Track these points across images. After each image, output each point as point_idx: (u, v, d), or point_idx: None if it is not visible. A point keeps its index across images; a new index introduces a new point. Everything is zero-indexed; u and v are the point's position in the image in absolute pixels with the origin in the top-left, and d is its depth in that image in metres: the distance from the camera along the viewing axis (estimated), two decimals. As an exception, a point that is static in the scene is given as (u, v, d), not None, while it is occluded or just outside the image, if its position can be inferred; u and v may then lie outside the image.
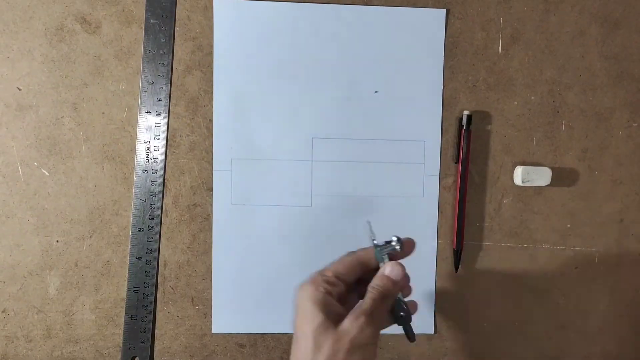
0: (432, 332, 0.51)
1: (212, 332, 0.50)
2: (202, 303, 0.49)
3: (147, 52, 0.47)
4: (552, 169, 0.50)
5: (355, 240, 0.49)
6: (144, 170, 0.48)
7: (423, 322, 0.51)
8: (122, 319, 0.49)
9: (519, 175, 0.49)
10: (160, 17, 0.46)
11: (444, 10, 0.48)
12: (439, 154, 0.50)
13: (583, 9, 0.50)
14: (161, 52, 0.47)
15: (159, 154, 0.48)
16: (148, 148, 0.47)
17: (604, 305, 0.52)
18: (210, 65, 0.48)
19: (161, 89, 0.47)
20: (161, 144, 0.48)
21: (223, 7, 0.47)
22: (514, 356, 0.52)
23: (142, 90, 0.47)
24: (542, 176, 0.49)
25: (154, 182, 0.48)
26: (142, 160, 0.48)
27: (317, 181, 0.49)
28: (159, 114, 0.47)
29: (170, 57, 0.47)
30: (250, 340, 0.50)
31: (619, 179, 0.51)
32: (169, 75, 0.47)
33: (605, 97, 0.50)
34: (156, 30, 0.47)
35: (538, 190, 0.51)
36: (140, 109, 0.47)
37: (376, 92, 0.49)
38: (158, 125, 0.47)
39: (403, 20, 0.48)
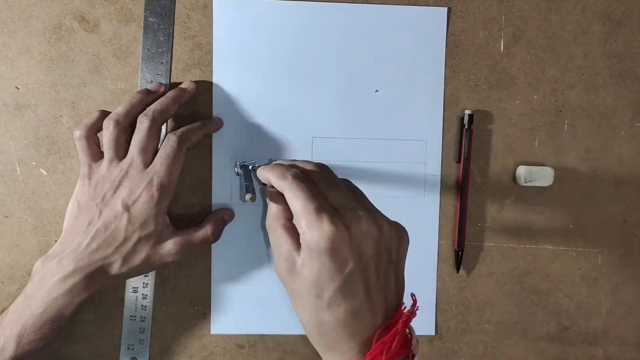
0: (434, 334, 0.51)
1: (211, 332, 0.49)
2: (201, 303, 0.49)
3: (146, 51, 0.46)
4: (555, 168, 0.49)
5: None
6: None
7: (424, 323, 0.50)
8: (121, 319, 0.48)
9: (521, 175, 0.49)
10: (159, 16, 0.46)
11: (446, 8, 0.48)
12: (440, 153, 0.49)
13: (585, 8, 0.49)
14: (160, 50, 0.46)
15: None
16: None
17: (607, 307, 0.52)
18: (209, 64, 0.47)
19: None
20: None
21: (222, 6, 0.47)
22: (516, 358, 0.52)
23: (140, 89, 0.47)
24: (544, 176, 0.49)
25: None
26: None
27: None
28: None
29: (170, 56, 0.47)
30: (250, 341, 0.50)
31: (622, 179, 0.51)
32: (168, 74, 0.47)
33: (608, 97, 0.50)
34: (155, 28, 0.46)
35: (540, 190, 0.50)
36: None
37: (377, 91, 0.48)
38: None
39: (404, 19, 0.48)
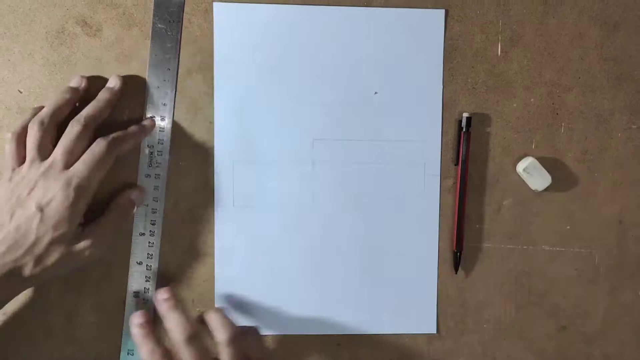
0: (435, 332, 0.51)
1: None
2: (203, 305, 0.50)
3: (153, 57, 0.47)
4: (552, 170, 0.50)
5: (359, 240, 0.50)
6: (147, 175, 0.48)
7: (425, 321, 0.51)
8: (123, 321, 0.49)
9: (526, 164, 0.49)
10: (167, 22, 0.46)
11: (443, 10, 0.49)
12: (440, 153, 0.50)
13: (582, 11, 0.50)
14: (167, 57, 0.47)
15: (162, 159, 0.48)
16: (152, 153, 0.48)
17: (604, 307, 0.53)
18: (211, 68, 0.48)
19: (166, 93, 0.47)
20: (165, 148, 0.48)
21: (223, 11, 0.47)
22: (514, 358, 0.52)
23: (147, 95, 0.47)
24: (542, 178, 0.49)
25: (156, 187, 0.48)
26: (145, 165, 0.48)
27: (318, 183, 0.49)
28: (163, 119, 0.47)
29: (177, 62, 0.47)
30: (251, 342, 0.50)
31: (619, 180, 0.51)
32: (175, 80, 0.47)
33: (605, 99, 0.51)
34: (163, 35, 0.47)
35: (538, 191, 0.51)
36: (145, 114, 0.47)
37: (376, 93, 0.49)
38: (162, 129, 0.47)
39: (402, 21, 0.48)
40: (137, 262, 0.48)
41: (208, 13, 0.47)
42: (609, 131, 0.51)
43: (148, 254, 0.48)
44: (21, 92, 0.47)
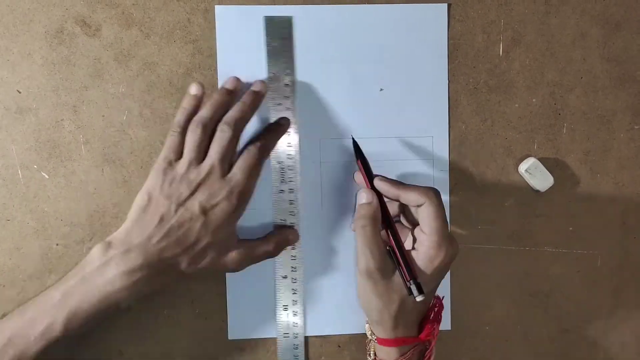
0: (449, 328, 0.51)
1: (230, 338, 0.49)
2: (202, 306, 0.49)
3: (271, 75, 0.47)
4: (554, 171, 0.49)
5: (356, 243, 0.49)
6: (281, 191, 0.48)
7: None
8: (121, 322, 0.48)
9: (528, 164, 0.49)
10: (279, 40, 0.47)
11: (445, 4, 0.48)
12: (448, 148, 0.49)
13: (584, 11, 0.49)
14: (286, 72, 0.47)
15: (294, 173, 0.48)
16: (282, 169, 0.48)
17: (607, 309, 0.52)
18: (210, 67, 0.47)
19: (288, 109, 0.47)
20: (295, 163, 0.48)
21: (225, 13, 0.47)
22: (516, 360, 0.52)
23: (269, 111, 0.48)
24: (543, 179, 0.49)
25: (292, 202, 0.49)
26: (278, 181, 0.48)
27: (326, 182, 0.49)
28: (289, 134, 0.48)
29: (294, 77, 0.47)
30: (251, 344, 0.50)
31: (621, 181, 0.51)
32: (294, 95, 0.47)
33: (607, 100, 0.50)
34: (278, 52, 0.47)
35: (540, 192, 0.50)
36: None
37: (381, 89, 0.49)
38: (289, 144, 0.48)
39: (405, 17, 0.48)
40: (282, 277, 0.49)
41: (208, 12, 0.47)
42: (612, 132, 0.51)
43: (291, 267, 0.49)
44: (20, 92, 0.47)
